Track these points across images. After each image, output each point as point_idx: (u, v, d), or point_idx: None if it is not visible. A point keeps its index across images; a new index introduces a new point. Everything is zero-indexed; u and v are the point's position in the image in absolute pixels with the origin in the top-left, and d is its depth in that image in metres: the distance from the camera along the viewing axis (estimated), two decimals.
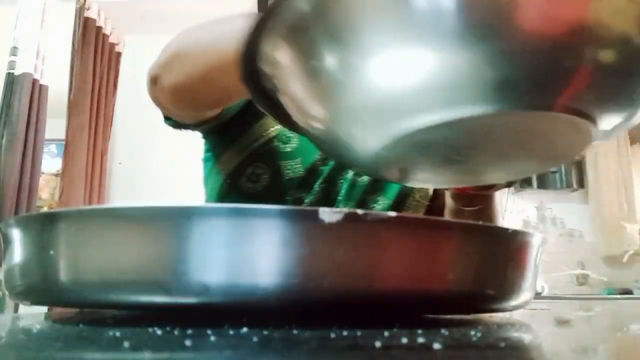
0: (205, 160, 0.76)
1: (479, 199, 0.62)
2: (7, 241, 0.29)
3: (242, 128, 0.70)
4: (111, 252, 0.24)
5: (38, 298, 0.29)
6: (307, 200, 0.68)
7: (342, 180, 0.70)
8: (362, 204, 0.70)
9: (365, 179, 0.70)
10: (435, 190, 0.76)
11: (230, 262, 0.23)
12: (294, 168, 0.69)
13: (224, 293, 0.23)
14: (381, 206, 0.71)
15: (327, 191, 0.69)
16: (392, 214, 0.24)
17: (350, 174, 0.70)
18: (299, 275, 0.23)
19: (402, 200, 0.72)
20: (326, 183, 0.69)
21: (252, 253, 0.23)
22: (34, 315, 0.38)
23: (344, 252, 0.24)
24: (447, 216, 0.68)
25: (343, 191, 0.69)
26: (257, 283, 0.23)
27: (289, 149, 0.69)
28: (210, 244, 0.23)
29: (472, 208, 0.62)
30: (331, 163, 0.69)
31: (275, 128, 0.70)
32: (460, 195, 0.62)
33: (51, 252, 0.26)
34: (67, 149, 2.56)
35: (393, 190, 0.72)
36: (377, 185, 0.71)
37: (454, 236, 0.27)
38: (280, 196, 0.68)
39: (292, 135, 0.70)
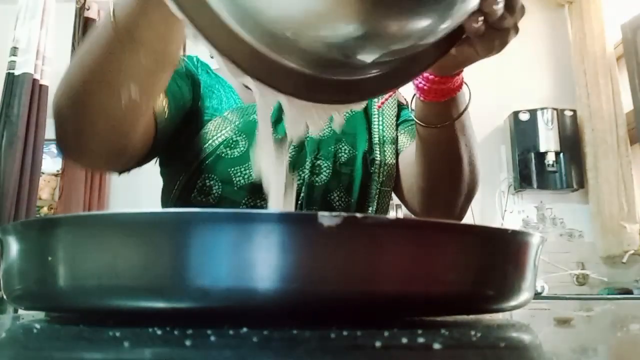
0: (162, 174, 0.74)
1: (446, 100, 0.54)
2: (5, 246, 0.29)
3: (187, 140, 0.67)
4: (110, 258, 0.24)
5: (36, 303, 0.29)
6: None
7: (299, 183, 0.66)
8: (325, 204, 0.67)
9: (322, 178, 0.67)
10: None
11: (229, 267, 0.23)
12: (244, 174, 0.65)
13: (223, 298, 0.23)
14: (345, 204, 0.68)
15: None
16: (391, 217, 0.24)
17: (306, 175, 0.67)
18: (298, 280, 0.23)
19: (365, 192, 0.70)
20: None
21: (251, 258, 0.23)
22: (34, 315, 0.38)
23: (343, 256, 0.24)
24: (417, 159, 0.64)
25: (302, 194, 0.66)
26: (256, 287, 0.23)
27: (236, 154, 0.66)
28: (209, 249, 0.23)
29: (444, 124, 0.56)
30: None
31: (221, 133, 0.67)
32: (428, 103, 0.55)
33: (49, 257, 0.26)
34: None
35: (355, 185, 0.69)
36: (333, 183, 0.68)
37: (453, 237, 0.27)
38: (235, 206, 0.64)
39: (238, 138, 0.66)
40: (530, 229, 2.24)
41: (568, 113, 2.75)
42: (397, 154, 0.74)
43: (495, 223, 2.68)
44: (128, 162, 0.60)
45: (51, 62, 2.39)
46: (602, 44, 2.70)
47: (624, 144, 2.65)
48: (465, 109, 0.57)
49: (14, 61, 2.28)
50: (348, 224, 0.23)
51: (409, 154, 0.70)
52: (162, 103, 0.59)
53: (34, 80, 2.29)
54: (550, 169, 2.67)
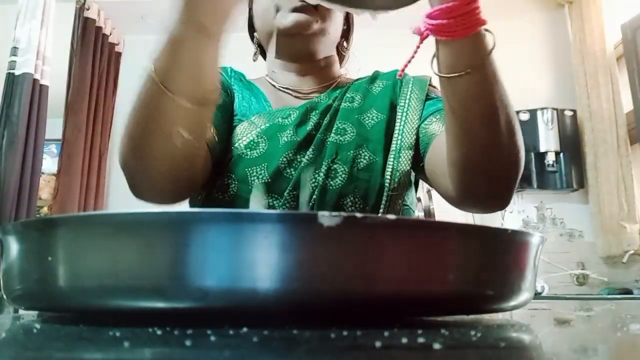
0: None
1: (472, 35, 0.47)
2: (5, 246, 0.29)
3: (225, 147, 0.70)
4: (110, 258, 0.24)
5: (36, 303, 0.29)
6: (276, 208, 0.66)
7: (313, 185, 0.67)
8: (337, 208, 0.66)
9: (337, 182, 0.67)
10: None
11: (229, 266, 0.23)
12: (259, 174, 0.67)
13: (223, 298, 0.23)
14: (359, 210, 0.67)
15: (298, 197, 0.66)
16: (391, 216, 0.24)
17: (321, 178, 0.67)
18: (298, 279, 0.23)
19: (379, 199, 0.68)
20: (296, 189, 0.66)
21: (251, 257, 0.23)
22: (34, 315, 0.38)
23: (343, 256, 0.24)
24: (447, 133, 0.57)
25: (315, 197, 0.66)
26: (256, 287, 0.23)
27: (255, 155, 0.68)
28: (209, 249, 0.23)
29: (480, 62, 0.48)
30: (300, 167, 0.67)
31: (245, 137, 0.70)
32: (452, 44, 0.48)
33: (49, 257, 0.26)
34: (64, 149, 2.56)
35: (371, 192, 0.68)
36: (348, 188, 0.67)
37: (453, 237, 0.27)
38: (247, 204, 0.66)
39: (259, 140, 0.69)
40: (530, 229, 2.24)
41: (568, 113, 2.75)
42: (412, 159, 0.71)
43: (495, 223, 2.68)
44: (196, 189, 0.66)
45: (51, 62, 2.39)
46: (602, 44, 2.70)
47: (624, 144, 2.65)
48: (494, 47, 0.49)
49: (14, 61, 2.27)
50: (348, 224, 0.23)
51: (442, 141, 0.62)
52: (211, 132, 0.64)
53: (34, 80, 2.29)
54: (550, 169, 2.67)
